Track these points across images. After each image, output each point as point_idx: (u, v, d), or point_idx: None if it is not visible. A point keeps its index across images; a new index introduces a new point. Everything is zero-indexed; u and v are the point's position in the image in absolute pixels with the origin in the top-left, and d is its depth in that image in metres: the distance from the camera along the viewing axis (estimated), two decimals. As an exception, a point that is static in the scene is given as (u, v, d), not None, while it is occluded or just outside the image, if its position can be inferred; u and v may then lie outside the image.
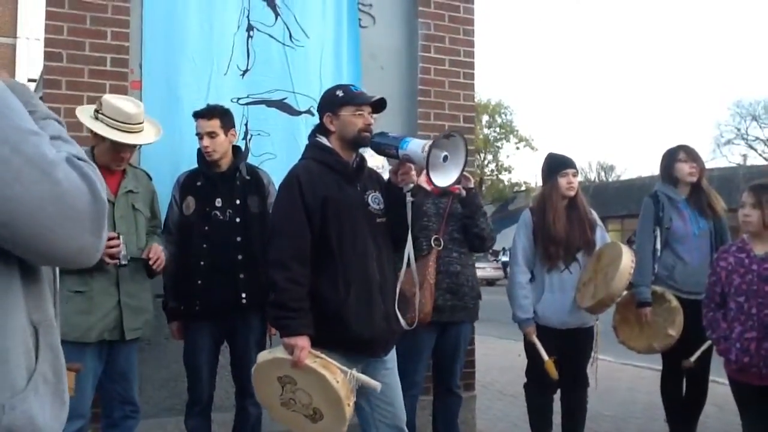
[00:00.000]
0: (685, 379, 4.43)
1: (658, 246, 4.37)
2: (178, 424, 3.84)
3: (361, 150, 3.09)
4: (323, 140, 3.03)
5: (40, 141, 1.14)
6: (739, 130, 37.75)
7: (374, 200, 3.03)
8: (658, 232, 4.39)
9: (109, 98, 3.41)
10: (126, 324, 3.32)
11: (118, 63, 4.08)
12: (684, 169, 4.38)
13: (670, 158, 4.46)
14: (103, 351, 3.32)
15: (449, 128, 4.72)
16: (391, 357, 3.13)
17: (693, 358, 4.17)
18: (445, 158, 2.74)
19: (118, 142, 3.31)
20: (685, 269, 4.30)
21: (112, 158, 3.37)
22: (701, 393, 4.46)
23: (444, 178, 2.77)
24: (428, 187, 3.72)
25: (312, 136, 3.10)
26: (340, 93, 3.02)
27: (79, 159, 1.21)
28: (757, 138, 36.76)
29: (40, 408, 1.19)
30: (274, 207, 3.09)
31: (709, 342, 4.14)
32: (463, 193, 3.89)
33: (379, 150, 2.95)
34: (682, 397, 4.46)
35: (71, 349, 3.06)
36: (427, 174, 2.71)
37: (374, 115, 3.04)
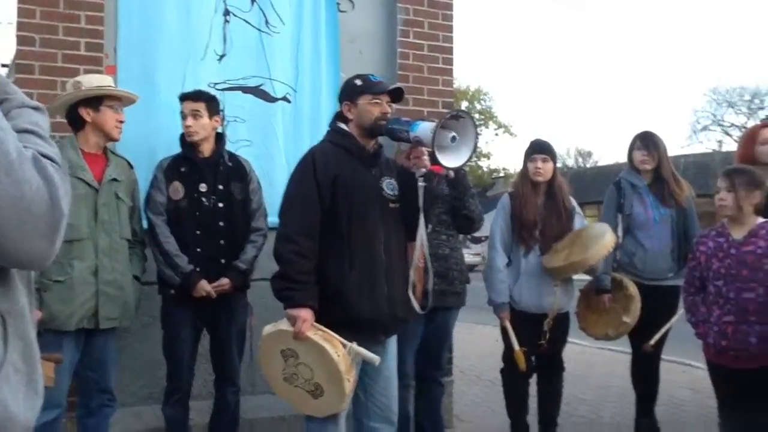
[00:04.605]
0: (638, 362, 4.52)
1: (620, 233, 4.44)
2: (155, 412, 3.82)
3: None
4: (343, 126, 3.11)
5: (4, 138, 1.10)
6: (715, 116, 38.10)
7: (389, 186, 3.08)
8: (620, 220, 4.45)
9: (86, 76, 3.52)
10: (101, 313, 3.30)
11: (93, 47, 4.01)
12: (637, 156, 4.45)
13: (630, 145, 4.52)
14: (80, 339, 3.30)
15: (428, 113, 4.72)
16: (391, 350, 3.17)
17: (652, 342, 4.25)
18: (453, 139, 2.75)
19: (115, 94, 3.42)
20: (646, 255, 4.35)
21: (114, 126, 3.40)
22: (654, 374, 4.53)
23: (453, 159, 2.79)
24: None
25: (333, 122, 3.18)
26: (358, 82, 3.10)
27: (48, 158, 1.17)
28: (732, 124, 37.08)
29: (13, 397, 1.18)
30: (288, 183, 3.11)
31: (667, 326, 4.23)
32: (451, 174, 3.82)
33: (393, 135, 2.99)
34: (653, 381, 4.52)
35: (50, 337, 3.08)
36: (434, 154, 2.71)
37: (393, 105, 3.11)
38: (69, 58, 3.95)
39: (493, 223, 4.26)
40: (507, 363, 4.26)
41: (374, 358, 2.92)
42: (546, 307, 4.10)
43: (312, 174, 2.97)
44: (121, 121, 3.44)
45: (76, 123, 3.40)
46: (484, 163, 39.07)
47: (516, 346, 4.09)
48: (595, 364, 7.11)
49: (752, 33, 73.52)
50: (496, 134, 40.11)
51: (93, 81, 3.46)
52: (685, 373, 6.47)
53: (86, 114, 3.37)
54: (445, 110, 4.89)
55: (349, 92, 3.11)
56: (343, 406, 2.95)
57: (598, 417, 5.22)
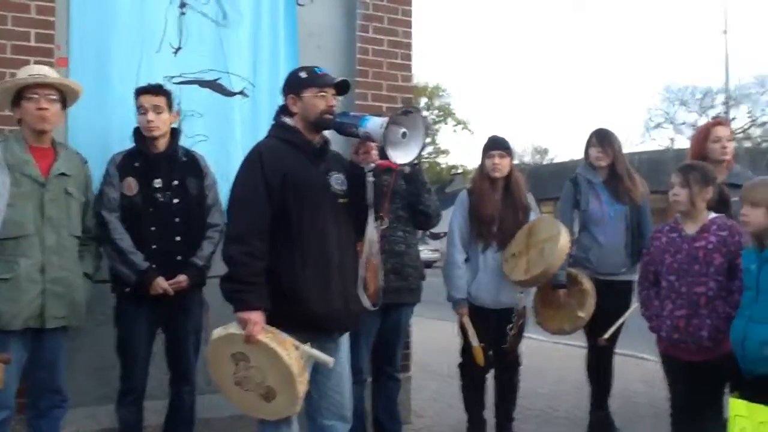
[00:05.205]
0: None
1: (576, 229, 4.49)
2: (109, 412, 3.75)
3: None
4: (288, 120, 3.03)
5: None
6: (668, 114, 38.81)
7: (337, 181, 3.04)
8: (576, 215, 4.51)
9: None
10: (48, 312, 3.20)
11: (44, 38, 3.89)
12: (592, 153, 4.52)
13: (586, 142, 4.59)
14: (27, 339, 3.20)
15: (387, 109, 4.70)
16: (344, 347, 3.14)
17: (606, 336, 4.30)
18: (404, 135, 2.73)
19: (26, 83, 3.24)
20: (601, 251, 4.42)
21: (37, 118, 3.25)
22: (608, 367, 4.61)
23: (403, 154, 2.77)
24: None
25: (277, 116, 3.10)
26: (303, 74, 3.02)
27: None
28: (684, 122, 37.80)
29: None
30: (234, 181, 3.02)
31: (621, 320, 4.30)
32: (407, 169, 3.81)
33: (341, 130, 2.94)
34: (607, 374, 4.60)
35: (-4, 337, 2.98)
36: (386, 151, 2.69)
37: (339, 97, 3.05)
38: (18, 49, 3.82)
39: (452, 219, 4.28)
40: (465, 358, 4.29)
41: (327, 359, 2.89)
42: (504, 302, 4.15)
43: (260, 172, 2.89)
44: (41, 108, 3.25)
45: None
46: (442, 160, 39.25)
47: (474, 342, 4.12)
48: (551, 358, 7.20)
49: (704, 33, 75.14)
50: (455, 131, 40.28)
51: (18, 75, 3.36)
52: (638, 366, 6.59)
53: (14, 113, 3.32)
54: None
55: (293, 85, 3.03)
56: (296, 409, 2.89)
57: (554, 411, 5.29)
